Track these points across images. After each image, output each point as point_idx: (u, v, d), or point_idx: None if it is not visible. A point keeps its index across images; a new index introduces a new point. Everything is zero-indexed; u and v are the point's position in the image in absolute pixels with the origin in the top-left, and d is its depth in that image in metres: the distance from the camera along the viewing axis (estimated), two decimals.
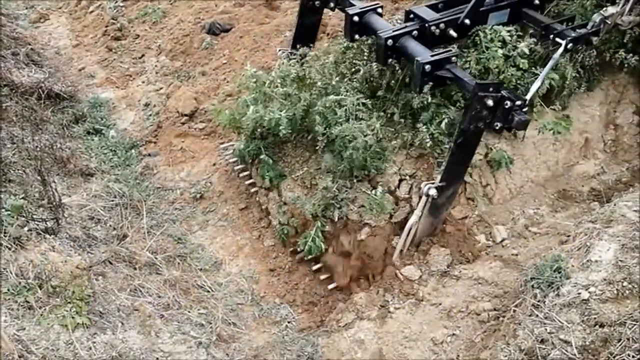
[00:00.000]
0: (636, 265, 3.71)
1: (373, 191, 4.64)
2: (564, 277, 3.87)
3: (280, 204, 5.12)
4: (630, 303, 3.52)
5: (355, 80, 4.91)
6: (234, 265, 5.08)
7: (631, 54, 5.31)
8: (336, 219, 4.72)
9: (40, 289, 3.73)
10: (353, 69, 5.00)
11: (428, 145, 4.64)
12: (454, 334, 4.23)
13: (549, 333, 3.64)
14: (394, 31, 4.57)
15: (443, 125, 4.60)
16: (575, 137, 5.39)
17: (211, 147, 6.28)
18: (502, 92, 4.01)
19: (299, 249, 4.91)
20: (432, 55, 4.29)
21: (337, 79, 4.94)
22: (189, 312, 4.35)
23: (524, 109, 4.12)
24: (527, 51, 4.78)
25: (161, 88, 7.43)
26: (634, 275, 3.62)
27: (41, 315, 3.60)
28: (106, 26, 8.77)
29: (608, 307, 3.58)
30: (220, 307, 4.52)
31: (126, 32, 8.63)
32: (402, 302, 4.54)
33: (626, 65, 5.31)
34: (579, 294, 3.71)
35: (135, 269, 4.56)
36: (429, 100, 4.60)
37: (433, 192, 4.44)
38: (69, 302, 3.74)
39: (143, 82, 7.63)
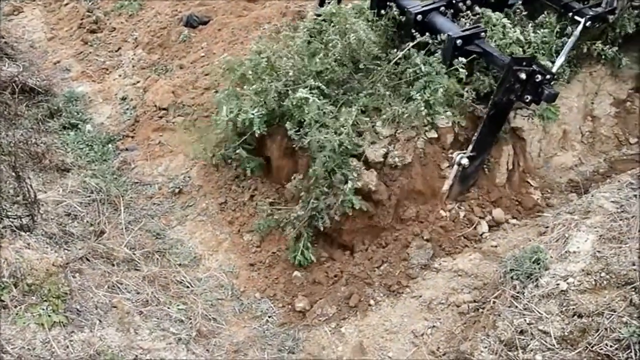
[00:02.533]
0: (614, 256, 3.75)
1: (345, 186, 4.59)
2: (543, 268, 3.90)
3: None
4: (608, 293, 3.54)
5: (327, 60, 4.87)
6: (214, 260, 5.03)
7: (608, 46, 5.36)
8: (322, 229, 4.72)
9: (16, 288, 3.66)
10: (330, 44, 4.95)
11: (423, 113, 4.62)
12: (434, 326, 4.24)
13: (528, 324, 3.67)
14: (422, 7, 4.76)
15: (439, 93, 4.59)
16: (554, 128, 5.42)
17: (189, 141, 6.20)
18: (533, 66, 4.22)
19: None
20: (462, 31, 4.50)
21: (307, 62, 4.92)
22: (168, 308, 4.30)
23: (552, 83, 4.34)
24: (522, 38, 4.92)
25: (138, 81, 7.31)
26: (612, 266, 3.65)
27: (16, 314, 3.53)
28: (81, 19, 8.61)
29: (586, 297, 3.61)
30: (200, 303, 4.47)
31: (102, 24, 8.49)
32: (382, 295, 4.55)
33: (603, 56, 5.36)
34: (558, 285, 3.74)
35: (113, 265, 4.51)
36: (422, 69, 4.62)
37: (465, 161, 4.65)
38: (45, 300, 3.67)
39: (120, 75, 7.51)
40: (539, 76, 4.19)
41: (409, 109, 4.68)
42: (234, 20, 7.87)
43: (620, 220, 4.09)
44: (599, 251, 3.87)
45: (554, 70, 4.50)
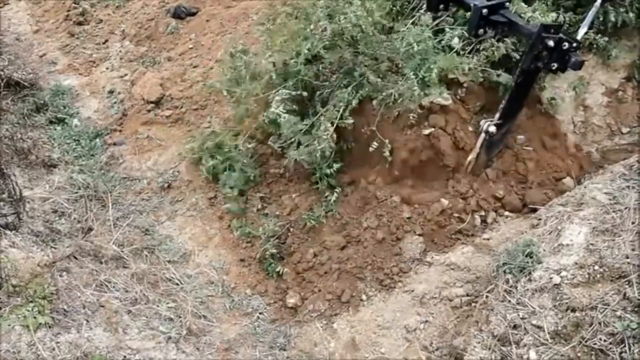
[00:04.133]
0: (607, 249, 3.71)
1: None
2: (536, 261, 3.86)
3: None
4: (602, 287, 3.51)
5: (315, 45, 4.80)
6: (204, 256, 4.98)
7: (600, 35, 5.30)
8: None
9: (0, 289, 3.59)
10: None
11: (416, 93, 4.56)
12: (427, 321, 4.20)
13: (521, 318, 3.63)
14: None
15: (434, 74, 4.55)
16: (537, 118, 5.37)
17: (178, 135, 6.13)
18: (560, 34, 4.25)
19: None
20: (488, 0, 4.46)
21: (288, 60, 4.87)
22: (158, 306, 4.24)
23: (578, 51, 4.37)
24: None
25: (126, 74, 7.23)
26: (605, 259, 3.61)
27: (1, 316, 3.47)
28: (68, 11, 8.51)
29: (579, 291, 3.57)
30: (190, 300, 4.42)
31: (89, 16, 8.40)
32: (374, 290, 4.51)
33: (595, 46, 5.30)
34: (551, 278, 3.70)
35: (101, 263, 4.44)
36: (415, 48, 4.57)
37: (492, 129, 4.69)
38: (31, 302, 3.61)
39: (107, 68, 7.43)
40: (566, 44, 4.22)
41: (401, 89, 4.62)
42: (222, 11, 7.78)
43: (614, 212, 4.05)
44: (592, 244, 3.83)
45: (579, 37, 4.49)
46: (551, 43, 4.21)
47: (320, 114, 4.75)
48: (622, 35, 5.99)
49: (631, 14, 5.63)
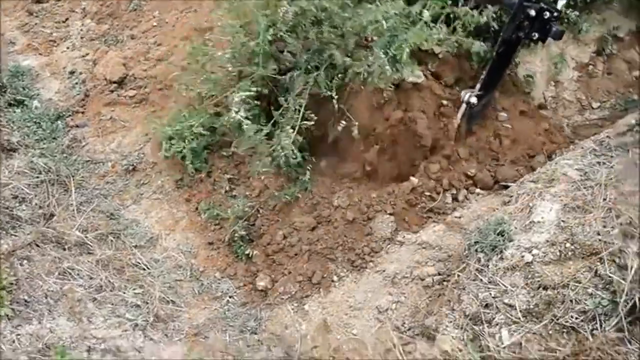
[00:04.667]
0: (578, 226, 3.68)
1: None
2: (507, 239, 3.82)
3: None
4: (573, 264, 3.49)
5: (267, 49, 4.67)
6: (171, 240, 4.86)
7: (570, 9, 5.26)
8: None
9: None
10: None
11: (388, 73, 4.45)
12: (398, 301, 4.15)
13: (493, 297, 3.60)
14: None
15: (405, 53, 4.44)
16: (514, 94, 5.33)
17: (143, 116, 5.95)
18: (541, 3, 4.33)
19: None
20: None
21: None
22: (124, 292, 4.13)
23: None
24: None
25: (87, 54, 6.98)
26: (577, 236, 3.59)
27: None
28: None
29: (551, 269, 3.55)
30: (158, 285, 4.31)
31: None
32: (346, 270, 4.44)
33: (566, 20, 5.25)
34: (523, 256, 3.67)
35: (64, 250, 4.30)
36: (385, 26, 4.45)
37: (473, 99, 4.75)
38: None
39: (68, 47, 7.16)
40: (547, 13, 4.29)
41: (371, 68, 4.48)
42: None
43: (585, 188, 4.03)
44: (563, 221, 3.81)
45: (559, 7, 4.51)
46: (532, 12, 4.28)
47: (282, 110, 4.62)
48: (592, 9, 5.97)
49: None
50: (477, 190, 4.86)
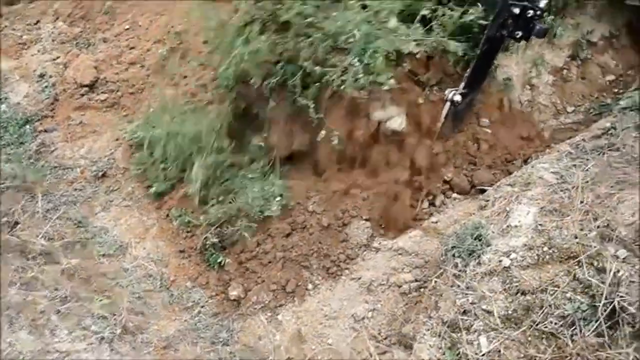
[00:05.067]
0: (556, 229, 3.63)
1: None
2: (485, 244, 3.75)
3: None
4: (552, 268, 3.42)
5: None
6: (141, 248, 4.72)
7: (546, 13, 5.23)
8: None
9: None
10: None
11: (362, 81, 4.32)
12: (375, 309, 4.06)
13: (471, 304, 3.52)
14: None
15: (379, 61, 4.34)
16: (492, 98, 5.28)
17: (114, 120, 5.81)
18: (525, 1, 4.31)
19: None
20: None
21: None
22: (90, 304, 3.97)
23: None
24: None
25: (58, 57, 6.82)
26: (554, 240, 3.53)
27: None
28: None
29: (529, 273, 3.48)
30: (126, 296, 4.17)
31: None
32: (321, 278, 4.34)
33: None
34: (500, 261, 3.60)
35: (28, 259, 4.14)
36: (357, 36, 4.35)
37: (457, 97, 4.70)
38: None
39: (38, 51, 6.98)
40: (531, 11, 4.28)
41: (346, 75, 4.36)
42: None
43: (561, 191, 3.98)
44: (540, 224, 3.75)
45: (542, 4, 4.46)
46: (516, 10, 4.27)
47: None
48: (566, 14, 5.96)
49: None
50: (454, 194, 4.80)
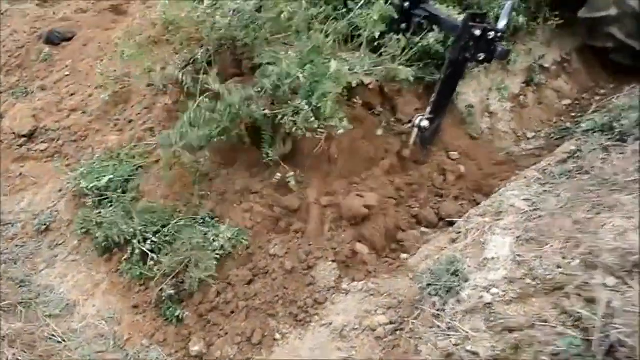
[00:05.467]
0: (536, 259, 3.43)
1: None
2: (463, 279, 3.53)
3: None
4: (537, 301, 3.21)
5: None
6: (91, 306, 4.31)
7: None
8: None
9: None
10: None
11: (314, 125, 4.09)
12: (349, 357, 3.76)
13: (454, 345, 3.26)
14: None
15: (328, 106, 4.05)
16: (457, 126, 5.17)
17: (56, 170, 5.43)
18: (485, 24, 4.28)
19: None
20: None
21: None
22: None
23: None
24: None
25: None
26: (536, 271, 3.33)
27: None
28: None
29: (513, 308, 3.26)
30: None
31: None
32: (289, 326, 4.03)
33: None
34: (481, 297, 3.37)
35: None
36: (301, 77, 4.10)
37: (425, 123, 4.62)
38: None
39: None
40: (492, 33, 4.25)
41: (297, 117, 4.13)
42: (100, 34, 7.24)
43: (536, 219, 3.82)
44: (519, 255, 3.55)
45: (500, 26, 4.43)
46: (478, 32, 4.22)
47: None
48: (517, 40, 5.98)
49: (521, 18, 5.61)
50: (422, 229, 4.58)
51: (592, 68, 6.54)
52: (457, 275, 3.52)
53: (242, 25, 4.44)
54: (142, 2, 7.66)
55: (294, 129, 4.13)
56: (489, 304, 3.32)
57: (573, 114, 6.06)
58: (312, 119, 4.07)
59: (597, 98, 6.27)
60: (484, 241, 3.81)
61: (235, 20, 4.42)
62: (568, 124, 5.85)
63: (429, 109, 4.64)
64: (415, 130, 4.69)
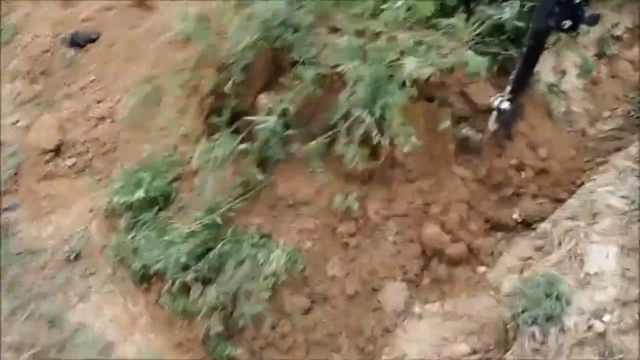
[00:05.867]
0: None
1: None
2: (565, 303, 2.94)
3: None
4: None
5: None
6: (130, 345, 3.85)
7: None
8: None
9: None
10: None
11: (377, 139, 3.50)
12: None
13: None
14: None
15: (395, 117, 3.45)
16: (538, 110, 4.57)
17: (86, 188, 4.98)
18: None
19: None
20: None
21: None
22: None
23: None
24: None
25: (18, 120, 6.08)
26: None
27: None
28: None
29: (631, 339, 2.68)
30: None
31: None
32: None
33: None
34: (591, 326, 2.80)
35: None
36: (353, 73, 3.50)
37: (505, 104, 4.03)
38: None
39: None
40: None
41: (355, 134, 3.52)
42: (126, 33, 6.74)
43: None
44: (627, 268, 2.97)
45: None
46: None
47: None
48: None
49: None
50: (498, 234, 3.99)
51: None
52: (559, 300, 2.93)
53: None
54: None
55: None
56: (601, 333, 2.75)
57: None
58: (375, 132, 3.47)
59: None
60: (581, 252, 3.23)
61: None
62: None
63: (508, 88, 4.03)
64: (494, 113, 4.11)
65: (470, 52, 3.73)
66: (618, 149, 4.51)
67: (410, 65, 3.38)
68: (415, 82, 3.74)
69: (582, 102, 5.16)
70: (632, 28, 5.73)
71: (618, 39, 5.57)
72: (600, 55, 5.41)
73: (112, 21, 7.14)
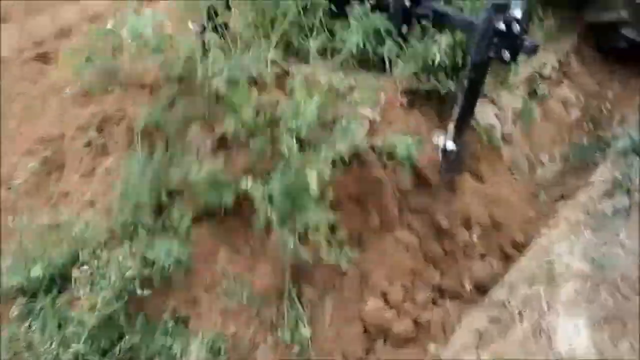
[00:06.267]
0: (632, 352, 2.48)
1: None
2: None
3: None
4: None
5: None
6: None
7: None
8: None
9: None
10: None
11: None
12: None
13: None
14: None
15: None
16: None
17: None
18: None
19: None
20: None
21: None
22: None
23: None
24: None
25: None
26: None
27: None
28: None
29: None
30: None
31: None
32: None
33: None
34: None
35: None
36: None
37: (450, 144, 3.76)
38: None
39: None
40: (517, 26, 3.41)
41: None
42: (27, 89, 6.20)
43: (607, 285, 2.89)
44: (600, 347, 2.61)
45: (517, 15, 3.53)
46: (502, 26, 3.42)
47: None
48: None
49: None
50: (448, 304, 3.57)
51: (591, 67, 5.89)
52: None
53: None
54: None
55: None
56: None
57: (587, 129, 5.26)
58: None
59: (607, 105, 5.51)
60: (546, 327, 2.84)
61: None
62: (584, 142, 5.04)
63: (451, 126, 3.77)
64: (441, 154, 3.83)
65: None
66: (563, 197, 4.26)
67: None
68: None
69: (523, 147, 4.93)
70: (559, 67, 5.64)
71: (547, 78, 5.43)
72: (531, 95, 5.24)
73: (10, 74, 6.62)
